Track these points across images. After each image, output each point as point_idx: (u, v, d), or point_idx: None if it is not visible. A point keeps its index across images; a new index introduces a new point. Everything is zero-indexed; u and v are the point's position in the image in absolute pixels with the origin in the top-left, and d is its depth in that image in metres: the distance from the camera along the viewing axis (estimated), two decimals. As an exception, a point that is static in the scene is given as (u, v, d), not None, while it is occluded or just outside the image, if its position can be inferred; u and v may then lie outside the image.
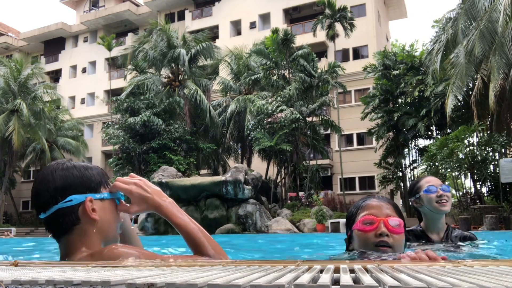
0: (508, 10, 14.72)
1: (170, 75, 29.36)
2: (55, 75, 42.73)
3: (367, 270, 0.79)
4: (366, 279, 0.66)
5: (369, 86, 26.75)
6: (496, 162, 17.97)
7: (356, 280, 0.69)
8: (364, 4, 31.13)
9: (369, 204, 1.69)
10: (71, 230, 1.32)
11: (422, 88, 21.69)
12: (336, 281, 0.70)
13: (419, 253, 1.24)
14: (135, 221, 20.19)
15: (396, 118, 22.48)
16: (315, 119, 24.28)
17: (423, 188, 2.57)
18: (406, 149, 24.79)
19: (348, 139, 29.82)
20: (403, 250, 1.63)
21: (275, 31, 24.20)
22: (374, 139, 25.51)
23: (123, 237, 1.59)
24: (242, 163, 27.39)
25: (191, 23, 35.97)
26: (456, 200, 19.03)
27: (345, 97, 30.08)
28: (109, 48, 32.52)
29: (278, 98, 22.94)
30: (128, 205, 1.40)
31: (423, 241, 2.52)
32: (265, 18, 34.34)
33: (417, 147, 24.84)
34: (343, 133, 25.30)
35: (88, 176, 1.36)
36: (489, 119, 18.40)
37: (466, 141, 17.90)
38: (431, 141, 22.68)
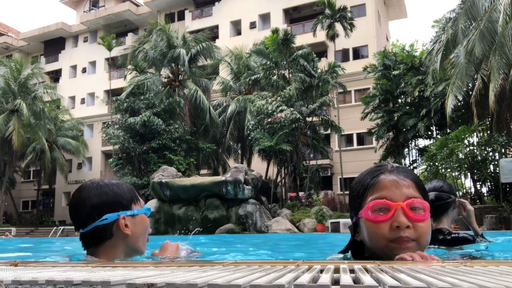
0: (508, 10, 14.72)
1: (170, 75, 29.37)
2: (55, 75, 42.74)
3: (367, 270, 0.79)
4: (366, 279, 0.66)
5: (369, 86, 26.75)
6: (496, 162, 17.97)
7: (356, 280, 0.69)
8: (364, 4, 31.13)
9: (381, 181, 1.24)
10: (103, 243, 1.50)
11: (422, 88, 21.69)
12: (336, 281, 0.71)
13: (419, 253, 1.13)
14: None
15: (396, 118, 22.48)
16: (315, 119, 24.28)
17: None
18: (406, 149, 24.79)
19: (348, 139, 29.83)
20: (429, 241, 1.24)
21: (275, 31, 24.19)
22: (374, 139, 25.51)
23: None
24: (242, 163, 27.38)
25: (191, 23, 35.97)
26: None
27: (345, 97, 30.08)
28: (109, 48, 32.52)
29: (278, 98, 22.94)
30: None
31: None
32: (265, 18, 34.34)
33: (417, 147, 24.84)
34: (343, 133, 25.30)
35: (119, 194, 1.53)
36: (489, 119, 18.40)
37: (466, 141, 17.91)
38: (431, 141, 22.68)
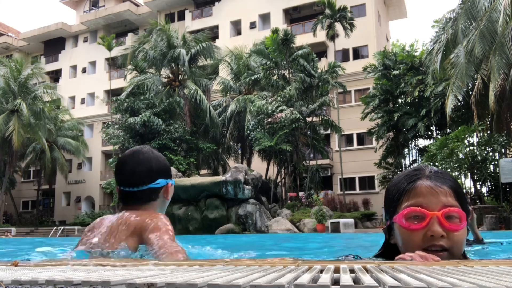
0: (508, 10, 14.72)
1: (170, 75, 29.36)
2: (55, 75, 42.74)
3: (367, 270, 0.79)
4: (366, 279, 0.66)
5: (369, 86, 26.76)
6: (496, 162, 17.97)
7: (356, 280, 0.69)
8: (364, 4, 31.13)
9: (418, 188, 1.21)
10: (147, 203, 1.70)
11: (422, 88, 21.70)
12: (336, 281, 0.70)
13: (419, 253, 1.12)
14: None
15: (396, 118, 22.48)
16: (315, 119, 24.28)
17: None
18: (406, 149, 24.79)
19: (348, 139, 29.82)
20: (463, 250, 1.23)
21: (275, 31, 24.20)
22: (374, 139, 25.51)
23: None
24: (242, 163, 27.38)
25: (191, 23, 35.97)
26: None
27: (345, 97, 30.08)
28: (109, 48, 32.52)
29: (278, 98, 22.94)
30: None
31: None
32: (265, 18, 34.34)
33: (417, 147, 24.84)
34: (343, 133, 25.30)
35: (167, 164, 1.79)
36: (489, 119, 18.40)
37: (466, 141, 17.91)
38: (431, 141, 22.68)
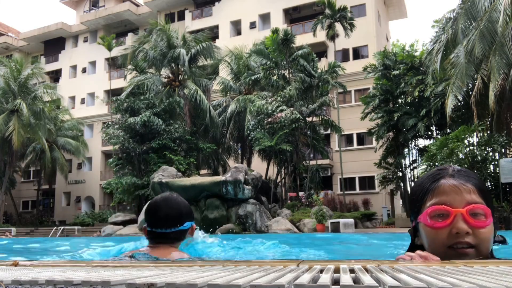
0: (508, 10, 14.72)
1: (170, 75, 29.35)
2: (55, 75, 42.74)
3: (367, 270, 0.79)
4: (366, 279, 0.66)
5: (369, 86, 26.75)
6: (496, 162, 17.97)
7: (356, 280, 0.69)
8: (364, 4, 31.12)
9: (441, 186, 1.20)
10: (176, 242, 1.95)
11: (422, 88, 21.69)
12: (336, 281, 0.70)
13: (419, 252, 1.12)
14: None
15: (396, 118, 22.47)
16: (315, 119, 24.27)
17: None
18: (406, 149, 24.77)
19: (348, 139, 29.82)
20: (491, 247, 1.22)
21: (275, 31, 24.18)
22: (374, 139, 25.51)
23: None
24: (242, 163, 27.37)
25: (191, 23, 35.96)
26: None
27: (345, 97, 30.08)
28: (109, 48, 32.52)
29: (278, 98, 22.92)
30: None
31: None
32: (265, 18, 34.34)
33: (417, 147, 24.82)
34: (343, 133, 25.29)
35: (190, 207, 2.05)
36: (489, 119, 18.39)
37: (466, 141, 17.90)
38: (431, 141, 22.67)
